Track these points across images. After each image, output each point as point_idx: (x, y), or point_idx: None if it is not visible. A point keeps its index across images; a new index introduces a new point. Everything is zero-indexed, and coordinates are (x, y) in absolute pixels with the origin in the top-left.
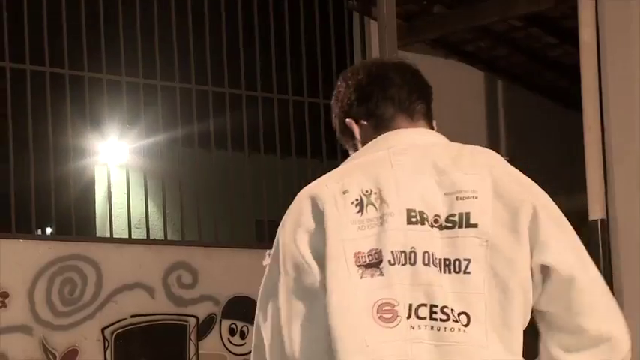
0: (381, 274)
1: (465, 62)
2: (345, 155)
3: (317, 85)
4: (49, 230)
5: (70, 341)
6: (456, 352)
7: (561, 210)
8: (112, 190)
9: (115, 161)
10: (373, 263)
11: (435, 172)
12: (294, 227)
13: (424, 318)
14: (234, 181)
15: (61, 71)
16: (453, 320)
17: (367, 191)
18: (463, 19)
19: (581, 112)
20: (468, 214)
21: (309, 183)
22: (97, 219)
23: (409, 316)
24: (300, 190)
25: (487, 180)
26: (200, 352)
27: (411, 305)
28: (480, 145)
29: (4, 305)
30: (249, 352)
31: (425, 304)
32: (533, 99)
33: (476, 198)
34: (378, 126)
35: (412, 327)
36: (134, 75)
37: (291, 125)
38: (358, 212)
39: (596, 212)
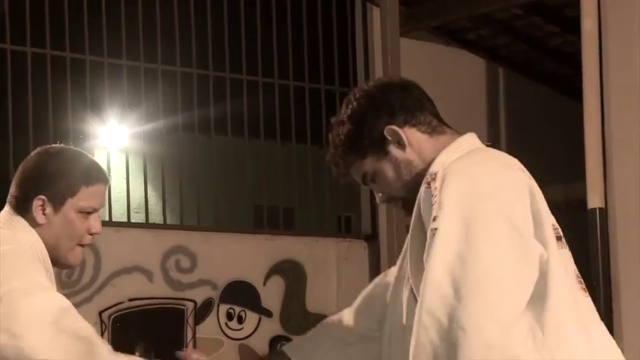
0: (564, 246)
1: (466, 50)
2: None
3: (318, 71)
4: None
5: None
6: None
7: (560, 198)
8: (111, 174)
9: (115, 145)
10: (559, 236)
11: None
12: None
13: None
14: (234, 167)
15: (62, 54)
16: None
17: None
18: (465, 6)
19: (582, 101)
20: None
21: (308, 169)
22: None
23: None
24: (304, 176)
25: None
26: (197, 336)
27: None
28: (481, 133)
29: None
30: (247, 337)
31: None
32: (534, 87)
33: None
34: (433, 132)
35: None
36: (135, 59)
37: (292, 111)
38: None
39: (595, 201)
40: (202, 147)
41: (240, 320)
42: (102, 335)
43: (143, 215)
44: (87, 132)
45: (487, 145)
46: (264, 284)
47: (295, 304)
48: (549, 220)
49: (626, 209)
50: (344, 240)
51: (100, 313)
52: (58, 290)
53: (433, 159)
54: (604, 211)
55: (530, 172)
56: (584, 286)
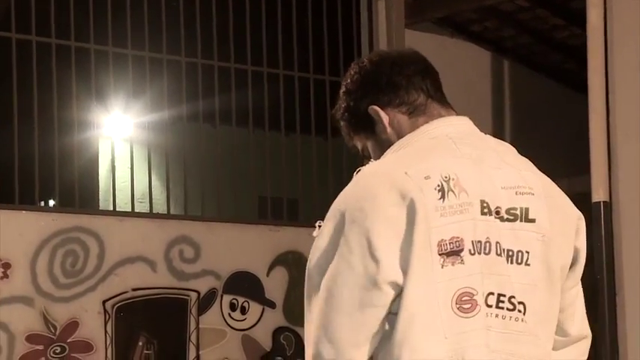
0: (462, 262)
1: (471, 42)
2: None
3: (323, 62)
4: (51, 202)
5: (71, 313)
6: (519, 341)
7: (564, 191)
8: (115, 164)
9: (119, 135)
10: (454, 251)
11: (494, 164)
12: (377, 219)
13: (491, 306)
14: (238, 157)
15: (67, 43)
16: (518, 310)
17: (446, 177)
18: None
19: (587, 94)
20: (527, 209)
21: (312, 160)
22: (100, 192)
23: (484, 305)
24: (309, 167)
25: (538, 178)
26: (200, 326)
27: (484, 294)
28: (486, 125)
29: (6, 276)
30: (250, 328)
31: (493, 293)
32: (539, 80)
33: (532, 194)
34: (413, 113)
35: (487, 315)
36: (140, 48)
37: (296, 102)
38: (440, 198)
39: (599, 194)
40: (207, 137)
41: (244, 311)
42: (105, 325)
43: (147, 205)
44: (92, 121)
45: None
46: (268, 275)
47: (299, 295)
48: (434, 237)
49: (631, 203)
50: None
51: (104, 302)
52: (61, 280)
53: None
54: (608, 205)
55: (535, 165)
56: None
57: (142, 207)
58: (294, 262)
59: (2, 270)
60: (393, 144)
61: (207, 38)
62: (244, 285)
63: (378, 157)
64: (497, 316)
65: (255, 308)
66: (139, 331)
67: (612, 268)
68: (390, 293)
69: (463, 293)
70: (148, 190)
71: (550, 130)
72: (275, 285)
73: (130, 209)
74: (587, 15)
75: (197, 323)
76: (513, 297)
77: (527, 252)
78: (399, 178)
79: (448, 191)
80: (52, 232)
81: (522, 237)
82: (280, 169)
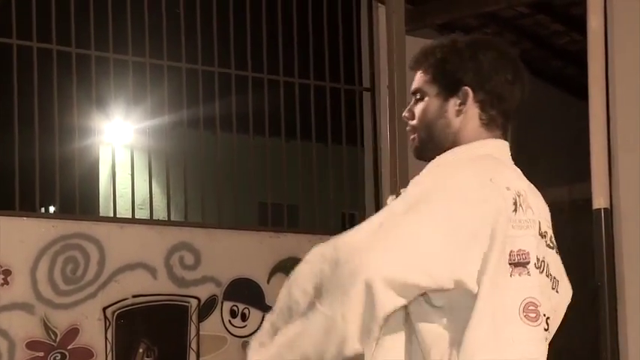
0: (528, 274)
1: None
2: (352, 139)
3: (324, 69)
4: (52, 209)
5: (72, 320)
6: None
7: (565, 198)
8: (116, 170)
9: (120, 141)
10: (521, 263)
11: (534, 194)
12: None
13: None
14: (239, 164)
15: (68, 49)
16: (548, 332)
17: (518, 192)
18: (470, 4)
19: (587, 100)
20: (554, 238)
21: (312, 167)
22: (100, 198)
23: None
24: (308, 173)
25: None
26: (201, 333)
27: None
28: None
29: (7, 283)
30: (250, 334)
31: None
32: (539, 86)
33: (550, 227)
34: (487, 125)
35: (544, 329)
36: (141, 55)
37: (297, 108)
38: (514, 211)
39: (600, 201)
40: (207, 143)
41: (244, 318)
42: (106, 332)
43: (147, 211)
44: (92, 128)
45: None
46: (268, 282)
47: None
48: (508, 247)
49: (632, 209)
50: None
51: (104, 309)
52: (61, 287)
53: (460, 142)
54: (609, 212)
55: (535, 172)
56: (534, 315)
57: (142, 213)
58: (294, 269)
59: (2, 277)
60: (448, 127)
61: (208, 45)
62: (245, 292)
63: (429, 121)
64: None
65: (255, 315)
66: (139, 338)
67: (613, 275)
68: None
69: (529, 303)
70: (148, 196)
71: (550, 137)
72: (276, 291)
73: (130, 216)
74: (587, 21)
75: (197, 330)
76: (549, 319)
77: (558, 281)
78: (486, 183)
79: (519, 205)
80: (52, 239)
81: (558, 265)
82: (280, 176)
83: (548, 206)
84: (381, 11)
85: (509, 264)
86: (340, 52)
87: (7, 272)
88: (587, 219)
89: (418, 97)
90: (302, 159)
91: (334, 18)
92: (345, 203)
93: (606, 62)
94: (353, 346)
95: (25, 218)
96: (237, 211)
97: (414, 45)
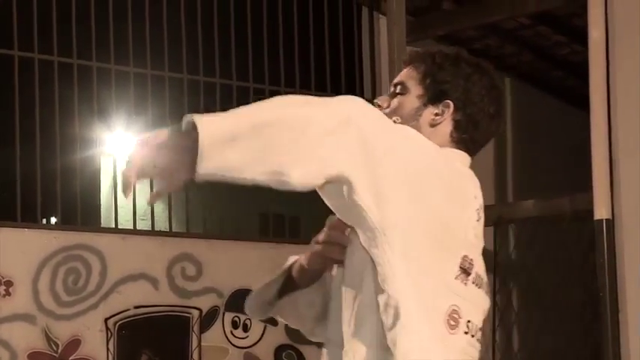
0: (466, 284)
1: None
2: None
3: (325, 80)
4: (53, 220)
5: (73, 331)
6: None
7: (566, 209)
8: (117, 182)
9: (122, 152)
10: (466, 271)
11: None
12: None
13: (467, 334)
14: None
15: (69, 61)
16: (477, 339)
17: (481, 204)
18: (472, 16)
19: (589, 111)
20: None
21: None
22: (102, 209)
23: (466, 333)
24: None
25: None
26: (202, 344)
27: (469, 322)
28: (487, 147)
29: (8, 294)
30: (252, 346)
31: (472, 322)
32: (540, 97)
33: None
34: (457, 146)
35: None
36: (142, 66)
37: None
38: (478, 220)
39: (601, 212)
40: None
41: (246, 329)
42: (107, 343)
43: (149, 222)
44: (94, 139)
45: None
46: None
47: None
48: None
49: (633, 220)
50: None
51: (106, 320)
52: (63, 298)
53: None
54: (611, 222)
55: (537, 182)
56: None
57: (143, 224)
58: None
59: (4, 288)
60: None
61: (209, 56)
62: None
63: (404, 117)
64: (472, 346)
65: (257, 326)
66: (141, 349)
67: (615, 285)
68: None
69: (454, 311)
70: (149, 207)
71: (551, 147)
72: None
73: (132, 227)
74: (588, 32)
75: (199, 341)
76: (480, 328)
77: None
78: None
79: (480, 217)
80: (54, 250)
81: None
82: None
83: (550, 216)
84: (382, 22)
85: (459, 267)
86: (341, 63)
87: (9, 283)
88: (589, 229)
89: (399, 90)
90: None
91: (335, 29)
92: None
93: (607, 73)
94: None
95: (26, 230)
96: (238, 223)
97: None
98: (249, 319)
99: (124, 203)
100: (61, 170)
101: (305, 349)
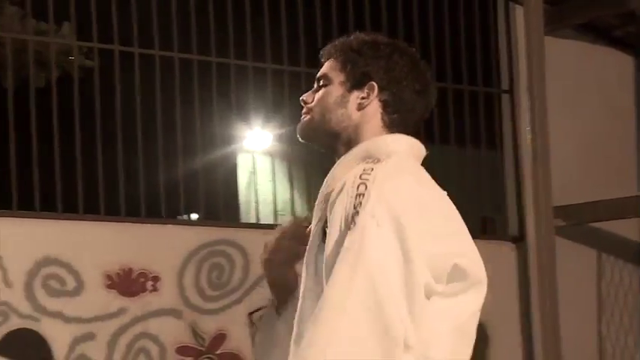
0: None
1: (612, 48)
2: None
3: (460, 71)
4: (193, 216)
5: (219, 325)
6: None
7: None
8: (257, 177)
9: (259, 148)
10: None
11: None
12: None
13: None
14: None
15: (208, 59)
16: None
17: None
18: (610, 3)
19: None
20: None
21: (451, 171)
22: (240, 205)
23: None
24: (446, 177)
25: None
26: None
27: None
28: (629, 133)
29: (155, 289)
30: None
31: None
32: None
33: None
34: (390, 129)
35: None
36: (279, 62)
37: (434, 112)
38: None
39: None
40: None
41: None
42: (252, 337)
43: (288, 217)
44: (232, 135)
45: None
46: None
47: None
48: None
49: None
50: (490, 242)
51: (250, 314)
52: (208, 292)
53: (362, 139)
54: None
55: None
56: None
57: (283, 220)
58: None
59: (151, 283)
60: (349, 120)
61: None
62: None
63: (328, 108)
64: None
65: None
66: None
67: None
68: None
69: None
70: (289, 202)
71: None
72: None
73: (272, 222)
74: None
75: None
76: None
77: None
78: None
79: None
80: (198, 246)
81: None
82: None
83: None
84: (518, 12)
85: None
86: (477, 55)
87: (156, 279)
88: None
89: (322, 83)
90: (440, 163)
91: (471, 20)
92: (485, 207)
93: None
94: None
95: (170, 226)
96: None
97: (553, 46)
98: None
99: (262, 198)
100: (202, 167)
101: None
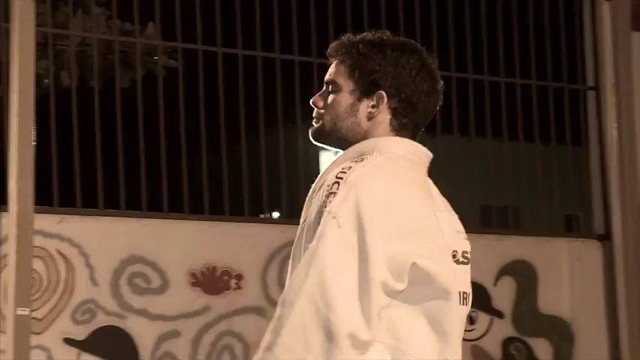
0: None
1: None
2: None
3: (545, 68)
4: (275, 215)
5: None
6: None
7: None
8: None
9: None
10: None
11: (447, 209)
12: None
13: None
14: (460, 166)
15: (290, 57)
16: None
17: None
18: None
19: None
20: (468, 253)
21: (536, 168)
22: None
23: None
24: (530, 174)
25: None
26: None
27: None
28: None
29: (239, 287)
30: (479, 338)
31: None
32: None
33: (466, 238)
34: (399, 132)
35: None
36: None
37: (518, 109)
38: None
39: None
40: (427, 147)
41: (472, 321)
42: None
43: None
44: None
45: None
46: (495, 285)
47: (527, 305)
48: None
49: None
50: (576, 240)
51: None
52: None
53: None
54: None
55: None
56: None
57: None
58: (522, 272)
59: (235, 281)
60: (357, 127)
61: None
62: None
63: (338, 115)
64: None
65: (483, 318)
66: None
67: None
68: None
69: None
70: None
71: None
72: (502, 295)
73: None
74: None
75: None
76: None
77: (469, 294)
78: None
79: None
80: (281, 244)
81: (469, 280)
82: (503, 178)
83: None
84: (604, 8)
85: None
86: (562, 51)
87: (239, 277)
88: None
89: (331, 89)
90: (525, 160)
91: (556, 16)
92: (570, 205)
93: None
94: None
95: (253, 224)
96: (458, 213)
97: None
98: (475, 311)
99: None
100: (285, 165)
101: (533, 342)
